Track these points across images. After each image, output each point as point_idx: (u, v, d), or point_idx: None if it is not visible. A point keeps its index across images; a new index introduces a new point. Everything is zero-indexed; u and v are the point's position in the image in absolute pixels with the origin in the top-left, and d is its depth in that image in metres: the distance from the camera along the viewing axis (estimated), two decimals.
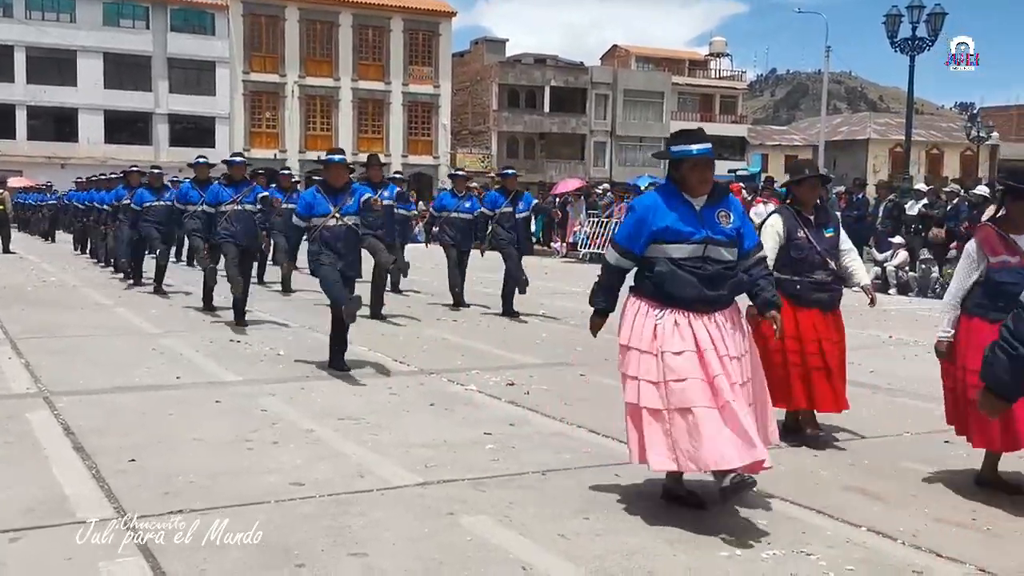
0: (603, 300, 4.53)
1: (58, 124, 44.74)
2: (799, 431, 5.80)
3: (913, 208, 17.35)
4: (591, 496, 4.63)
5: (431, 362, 8.33)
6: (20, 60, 43.66)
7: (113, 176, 18.15)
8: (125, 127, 45.58)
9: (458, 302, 12.26)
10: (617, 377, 7.67)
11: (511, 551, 3.89)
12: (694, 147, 4.26)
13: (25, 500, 4.39)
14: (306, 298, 12.88)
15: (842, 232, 5.95)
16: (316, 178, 15.46)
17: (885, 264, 16.47)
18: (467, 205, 12.35)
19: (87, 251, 21.32)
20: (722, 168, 43.94)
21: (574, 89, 54.43)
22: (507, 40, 58.65)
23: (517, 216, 11.68)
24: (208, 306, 11.46)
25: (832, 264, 5.74)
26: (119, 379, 7.36)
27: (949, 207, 16.76)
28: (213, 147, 40.61)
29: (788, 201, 5.94)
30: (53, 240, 29.14)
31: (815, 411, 5.80)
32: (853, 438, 5.96)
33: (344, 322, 7.67)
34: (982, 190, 16.67)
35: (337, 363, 7.84)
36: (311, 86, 48.00)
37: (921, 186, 20.34)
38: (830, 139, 53.04)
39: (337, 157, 7.94)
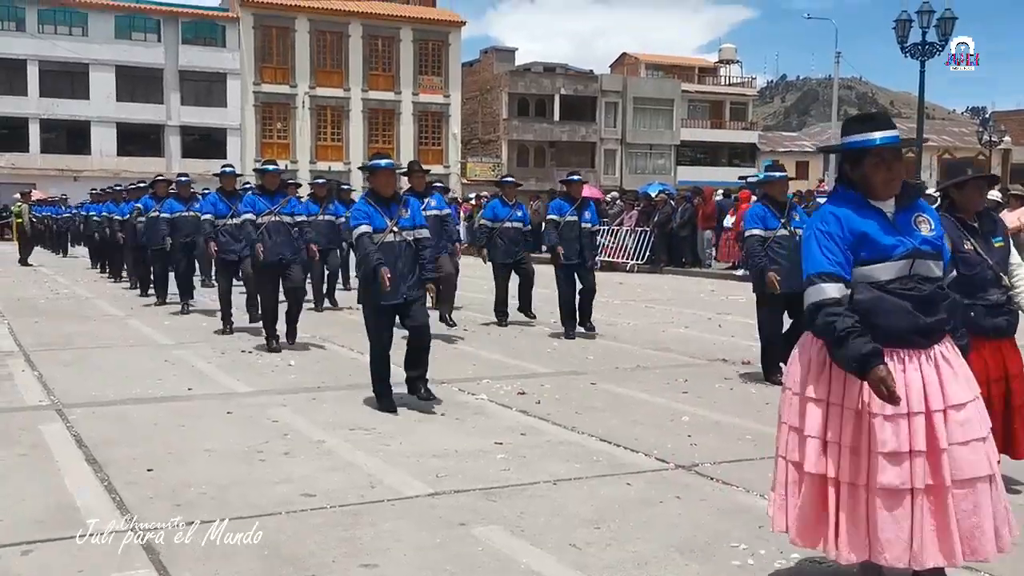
0: (864, 342, 3.13)
1: (71, 137, 45.00)
2: None
3: None
4: (602, 505, 4.61)
5: (442, 371, 8.30)
6: (33, 74, 43.96)
7: (131, 187, 17.35)
8: (137, 139, 45.83)
9: (517, 316, 11.65)
10: (628, 386, 7.75)
11: (522, 561, 3.88)
12: (876, 135, 3.31)
13: (37, 512, 4.41)
14: (324, 315, 12.92)
15: (1011, 243, 5.01)
16: (344, 186, 15.28)
17: None
18: (519, 214, 11.76)
19: (105, 268, 20.23)
20: (732, 175, 44.00)
21: (584, 97, 54.49)
22: (516, 49, 58.80)
23: (583, 226, 10.64)
24: (227, 325, 10.83)
25: (1006, 280, 4.83)
26: (131, 391, 7.38)
27: None
28: (225, 158, 40.68)
29: (945, 208, 4.84)
30: (66, 254, 29.24)
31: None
32: None
33: (421, 341, 6.95)
34: (994, 195, 16.58)
35: (417, 390, 6.96)
36: (321, 96, 48.18)
37: (933, 191, 20.25)
38: None
39: (384, 162, 7.00)
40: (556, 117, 53.59)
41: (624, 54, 64.52)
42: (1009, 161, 56.97)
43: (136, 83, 45.44)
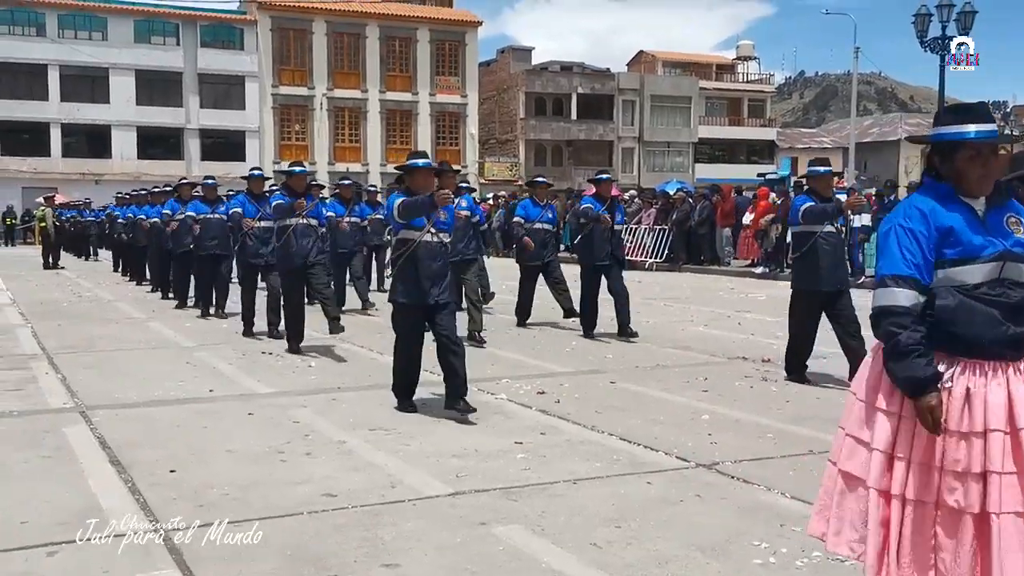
0: (925, 364, 2.90)
1: (92, 141, 45.38)
2: None
3: None
4: (623, 504, 4.61)
5: None
6: (54, 78, 44.37)
7: (156, 190, 17.32)
8: (157, 143, 46.20)
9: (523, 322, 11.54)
10: (648, 384, 7.74)
11: (543, 560, 3.89)
12: (971, 128, 3.05)
13: (62, 513, 4.45)
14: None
15: None
16: (370, 188, 15.23)
17: None
18: (549, 215, 11.57)
19: (129, 273, 20.09)
20: (751, 172, 43.81)
21: (601, 96, 54.45)
22: (533, 48, 58.83)
23: (614, 227, 10.56)
24: (248, 328, 10.84)
25: None
26: (153, 392, 7.44)
27: None
28: (244, 161, 41.03)
29: None
30: (88, 258, 29.39)
31: None
32: None
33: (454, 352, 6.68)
34: None
35: (454, 402, 6.60)
36: (339, 98, 48.37)
37: None
38: (861, 141, 52.58)
39: (422, 162, 6.77)
40: (573, 116, 53.59)
41: (641, 52, 64.40)
42: None
43: (155, 87, 45.78)
